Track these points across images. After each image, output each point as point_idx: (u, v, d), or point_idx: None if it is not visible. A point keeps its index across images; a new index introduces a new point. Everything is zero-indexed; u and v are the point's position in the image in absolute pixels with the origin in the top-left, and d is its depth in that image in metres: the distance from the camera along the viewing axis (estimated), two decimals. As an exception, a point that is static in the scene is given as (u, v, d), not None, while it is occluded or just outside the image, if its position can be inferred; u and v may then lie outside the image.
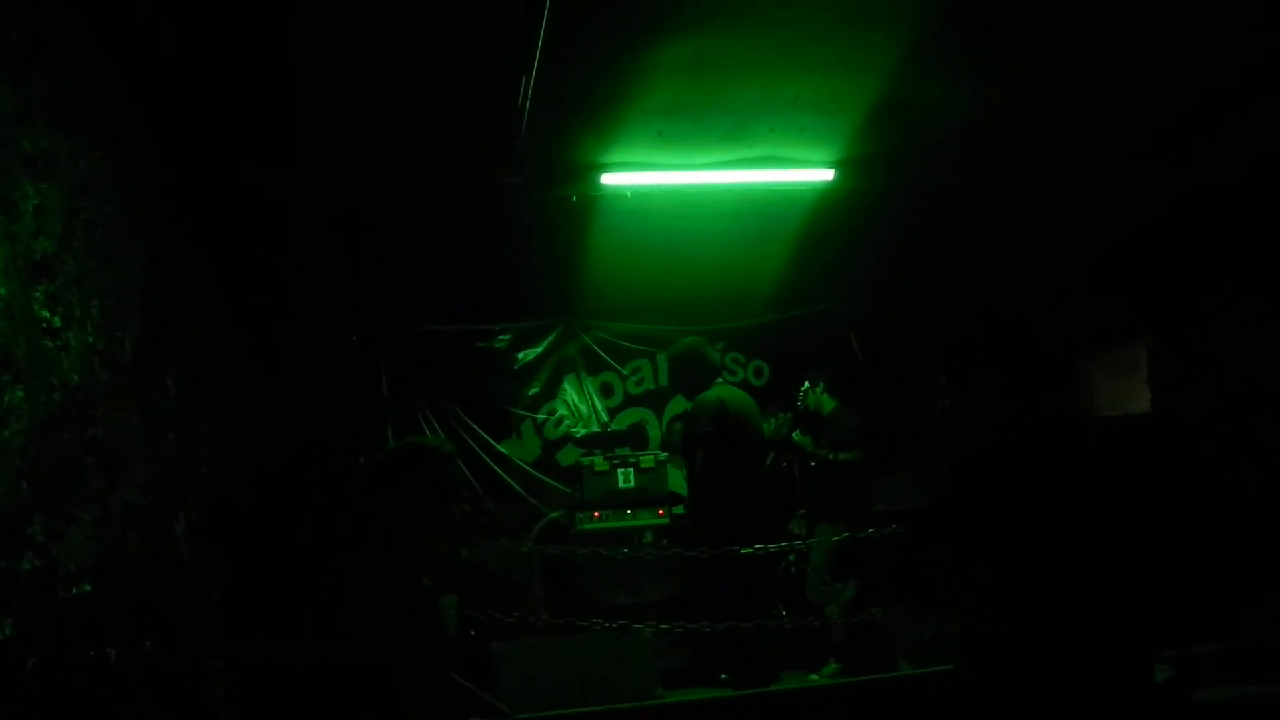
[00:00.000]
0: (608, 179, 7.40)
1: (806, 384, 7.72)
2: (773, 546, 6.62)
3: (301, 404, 5.69)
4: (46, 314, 3.12)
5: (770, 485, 7.36)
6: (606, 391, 9.10)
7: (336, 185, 6.98)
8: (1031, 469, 2.72)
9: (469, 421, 8.52)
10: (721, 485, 6.72)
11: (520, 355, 8.88)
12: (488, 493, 8.16)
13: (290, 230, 6.36)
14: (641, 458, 7.86)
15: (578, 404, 8.97)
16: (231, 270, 5.42)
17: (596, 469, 7.70)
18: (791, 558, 7.55)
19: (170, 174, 4.63)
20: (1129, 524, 2.75)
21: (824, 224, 8.19)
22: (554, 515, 8.11)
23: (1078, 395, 8.47)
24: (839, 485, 7.31)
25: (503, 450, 8.58)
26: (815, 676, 6.92)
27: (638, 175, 7.42)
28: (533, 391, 8.89)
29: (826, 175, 7.53)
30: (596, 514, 7.59)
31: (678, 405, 8.64)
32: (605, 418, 8.98)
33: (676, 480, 7.82)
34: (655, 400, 9.14)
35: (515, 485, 8.46)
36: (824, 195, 7.82)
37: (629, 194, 7.60)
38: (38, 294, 3.07)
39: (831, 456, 7.30)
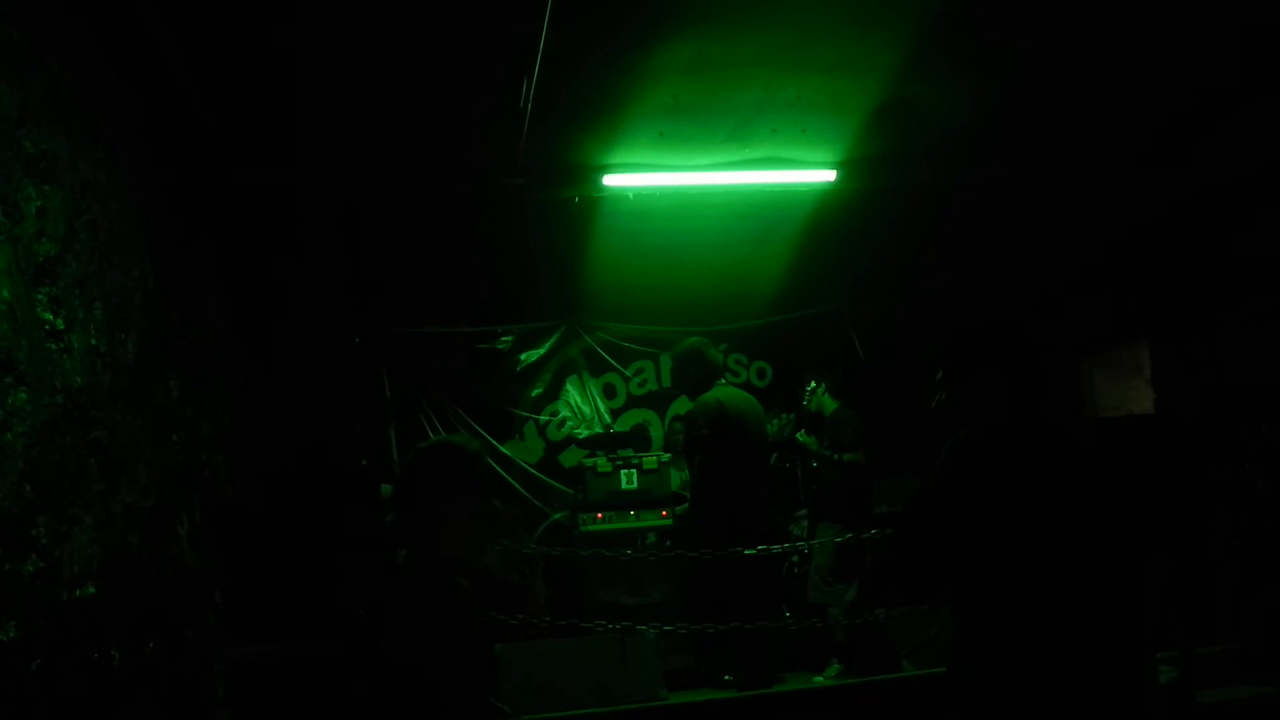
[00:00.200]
0: (609, 180, 7.40)
1: (812, 383, 7.72)
2: (775, 548, 6.61)
3: (303, 406, 5.69)
4: (49, 316, 3.12)
5: (772, 486, 7.36)
6: (609, 393, 9.10)
7: (339, 187, 6.98)
8: (1023, 460, 2.73)
9: (471, 423, 8.51)
10: (719, 487, 6.71)
11: (523, 356, 8.88)
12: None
13: (292, 232, 6.38)
14: (644, 459, 7.85)
15: (580, 405, 8.97)
16: (234, 272, 5.43)
17: (599, 470, 7.69)
18: (795, 558, 7.55)
19: (172, 176, 4.63)
20: (1115, 523, 2.75)
21: (826, 225, 8.19)
22: (557, 516, 8.10)
23: (1076, 397, 8.47)
24: (840, 486, 7.31)
25: (505, 452, 8.57)
26: (819, 678, 6.92)
27: (639, 176, 7.42)
28: (535, 393, 8.88)
29: (828, 176, 7.53)
30: (599, 515, 7.58)
31: (680, 406, 8.63)
32: (608, 419, 8.97)
33: (679, 482, 7.82)
34: (658, 401, 9.13)
35: (518, 487, 8.45)
36: (826, 196, 7.81)
37: (631, 195, 7.60)
38: (40, 296, 3.07)
39: (836, 457, 7.29)
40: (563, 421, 8.88)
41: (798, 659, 7.15)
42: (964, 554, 2.67)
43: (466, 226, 7.95)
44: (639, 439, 8.87)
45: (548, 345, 8.95)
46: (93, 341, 3.43)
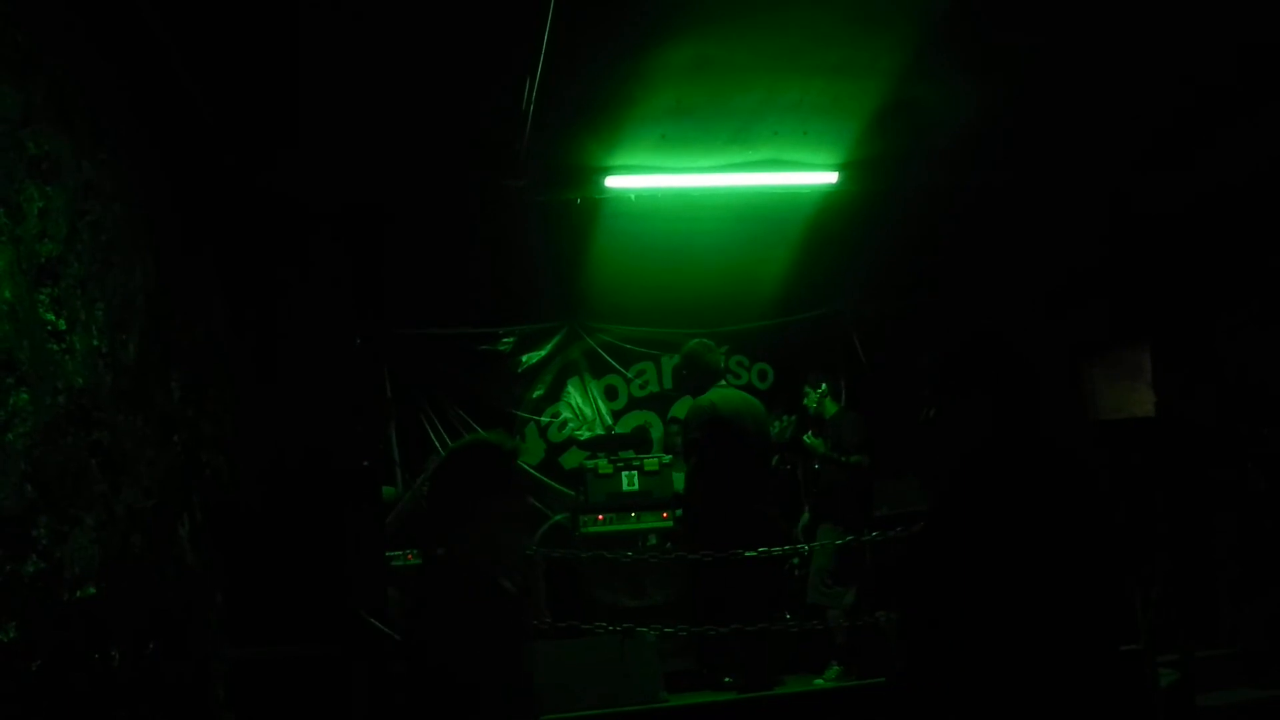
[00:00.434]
0: (611, 182, 7.41)
1: (823, 385, 7.72)
2: (776, 550, 6.61)
3: (305, 407, 5.69)
4: (51, 317, 3.12)
5: (773, 488, 7.35)
6: (610, 394, 9.10)
7: (340, 187, 6.97)
8: (1018, 486, 2.74)
9: (472, 424, 8.50)
10: (713, 489, 6.71)
11: (524, 358, 8.87)
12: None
13: (294, 233, 6.37)
14: (645, 460, 7.85)
15: (581, 407, 8.97)
16: (235, 273, 5.43)
17: (600, 472, 7.69)
18: (795, 560, 7.54)
19: (174, 177, 4.64)
20: (1103, 553, 2.77)
21: (828, 227, 8.19)
22: (558, 518, 8.10)
23: (1077, 400, 8.46)
24: (843, 488, 7.31)
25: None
26: (819, 680, 6.92)
27: (641, 178, 7.43)
28: (536, 394, 8.88)
29: (830, 178, 7.54)
30: (600, 517, 7.58)
31: (681, 408, 8.63)
32: (609, 420, 8.97)
33: (680, 483, 7.82)
34: (659, 403, 9.13)
35: (519, 488, 8.43)
36: (828, 198, 7.82)
37: (633, 197, 7.61)
38: (42, 297, 3.07)
39: (844, 459, 7.29)
40: (564, 423, 8.88)
41: (798, 661, 7.15)
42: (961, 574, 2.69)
43: (468, 228, 7.95)
44: (640, 441, 8.87)
45: (549, 347, 8.95)
46: (94, 342, 3.43)
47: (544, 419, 8.84)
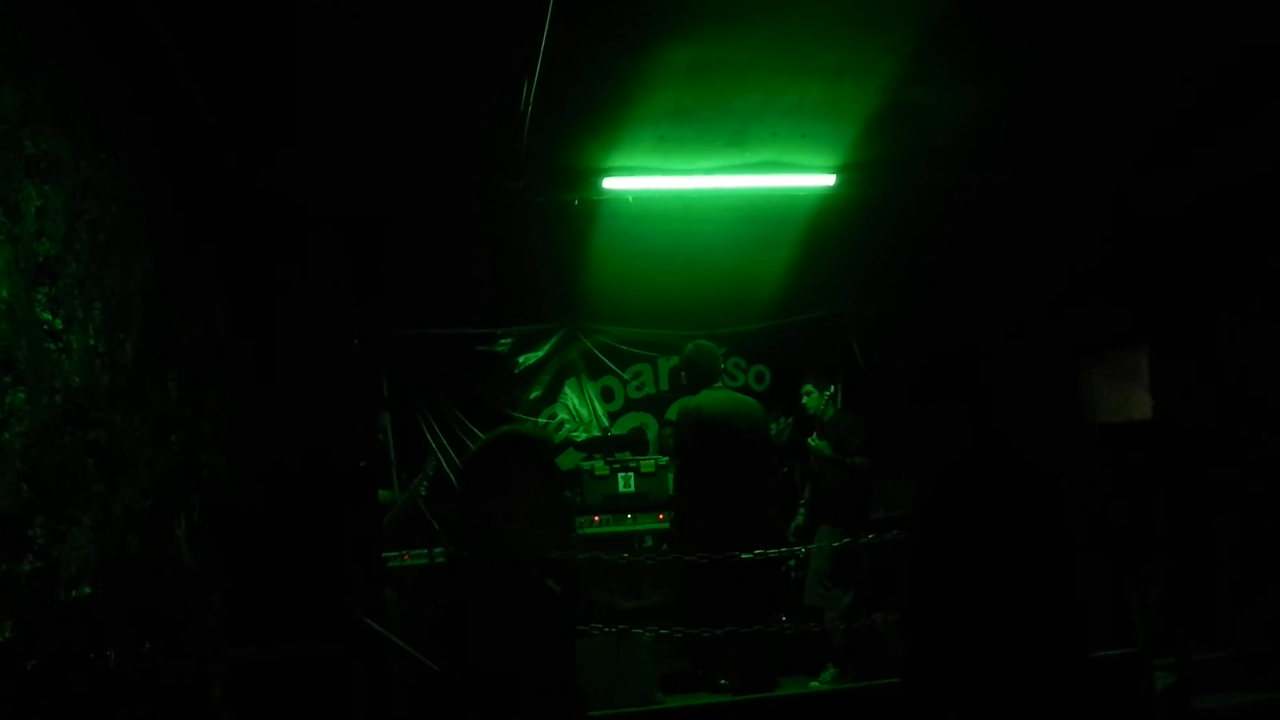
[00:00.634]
0: (609, 183, 7.40)
1: (831, 388, 7.72)
2: (772, 552, 6.61)
3: (303, 407, 5.69)
4: (48, 316, 3.12)
5: (772, 488, 7.34)
6: (607, 396, 9.10)
7: (340, 187, 6.97)
8: (991, 497, 2.78)
9: (470, 425, 8.51)
10: (699, 491, 6.71)
11: (521, 359, 8.88)
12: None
13: (293, 233, 6.36)
14: (642, 462, 7.86)
15: (578, 408, 8.97)
16: (233, 273, 5.43)
17: (597, 473, 7.69)
18: (792, 563, 7.54)
19: (174, 177, 4.63)
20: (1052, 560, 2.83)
21: (825, 229, 8.19)
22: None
23: (1075, 402, 8.47)
24: (843, 489, 7.31)
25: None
26: (815, 682, 6.92)
27: (639, 180, 7.42)
28: (534, 395, 8.88)
29: (828, 180, 7.53)
30: (596, 518, 7.59)
31: (675, 410, 8.64)
32: (606, 422, 8.97)
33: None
34: (656, 405, 9.13)
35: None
36: (825, 200, 7.82)
37: (631, 198, 7.61)
38: (40, 296, 3.07)
39: (849, 460, 7.29)
40: (560, 424, 8.88)
41: (794, 663, 7.15)
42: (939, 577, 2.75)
43: (467, 228, 7.95)
44: (636, 442, 8.87)
45: (546, 348, 8.95)
46: (92, 342, 3.43)
47: (541, 420, 8.84)
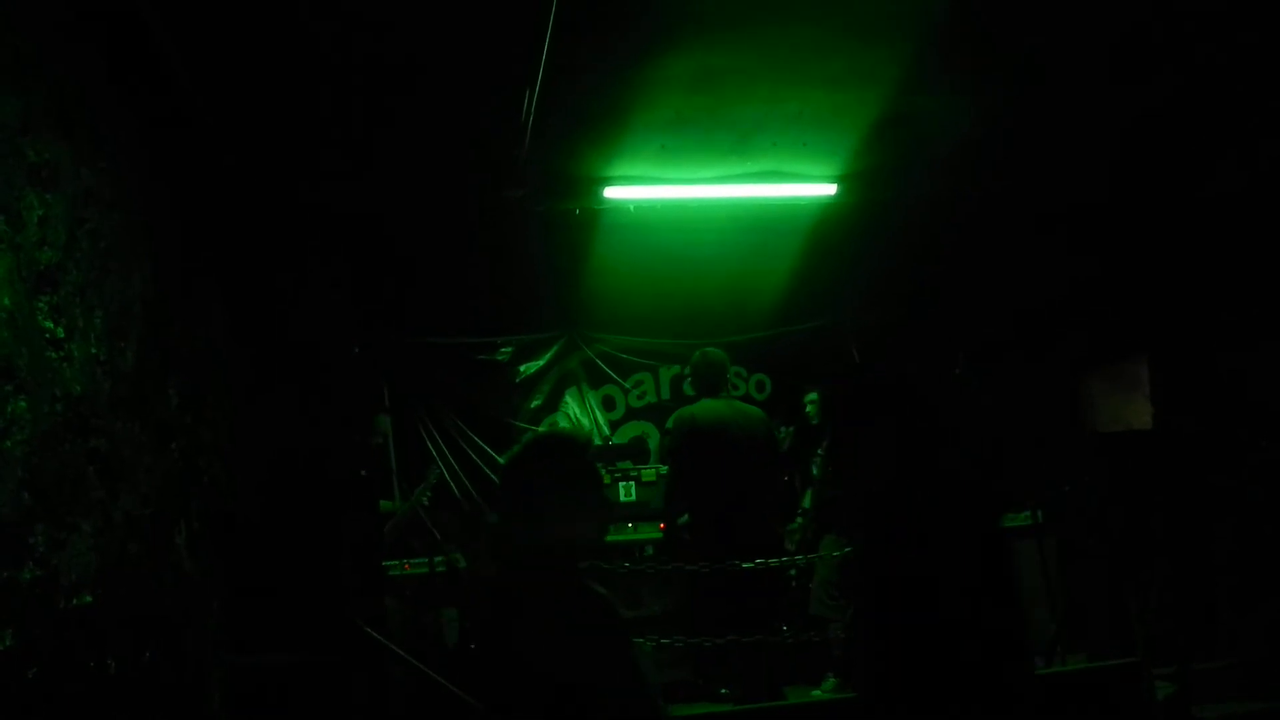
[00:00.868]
0: (610, 193, 7.41)
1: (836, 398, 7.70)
2: (774, 561, 6.60)
3: (303, 415, 5.69)
4: (50, 324, 3.12)
5: (775, 496, 7.32)
6: (608, 405, 9.10)
7: (340, 196, 6.99)
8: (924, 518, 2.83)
9: (470, 433, 8.51)
10: (692, 501, 6.69)
11: (522, 368, 8.88)
12: (489, 506, 8.15)
13: (293, 241, 6.38)
14: (643, 471, 7.85)
15: (579, 417, 8.97)
16: (234, 281, 5.44)
17: (598, 482, 7.67)
18: (793, 571, 7.53)
19: (173, 185, 4.64)
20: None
21: (826, 238, 8.20)
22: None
23: (1075, 412, 8.47)
24: (845, 498, 7.29)
25: (504, 463, 8.53)
26: (816, 692, 6.90)
27: (640, 189, 7.43)
28: (534, 404, 8.88)
29: (829, 190, 7.54)
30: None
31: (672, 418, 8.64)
32: (607, 431, 8.97)
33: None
34: (657, 414, 9.11)
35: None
36: (826, 210, 7.83)
37: (631, 208, 7.61)
38: (41, 304, 3.08)
39: None
40: (562, 432, 8.87)
41: (796, 673, 7.14)
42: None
43: (467, 236, 7.96)
44: (637, 451, 8.86)
45: (547, 357, 8.95)
46: (93, 350, 3.43)
47: (542, 429, 8.83)
